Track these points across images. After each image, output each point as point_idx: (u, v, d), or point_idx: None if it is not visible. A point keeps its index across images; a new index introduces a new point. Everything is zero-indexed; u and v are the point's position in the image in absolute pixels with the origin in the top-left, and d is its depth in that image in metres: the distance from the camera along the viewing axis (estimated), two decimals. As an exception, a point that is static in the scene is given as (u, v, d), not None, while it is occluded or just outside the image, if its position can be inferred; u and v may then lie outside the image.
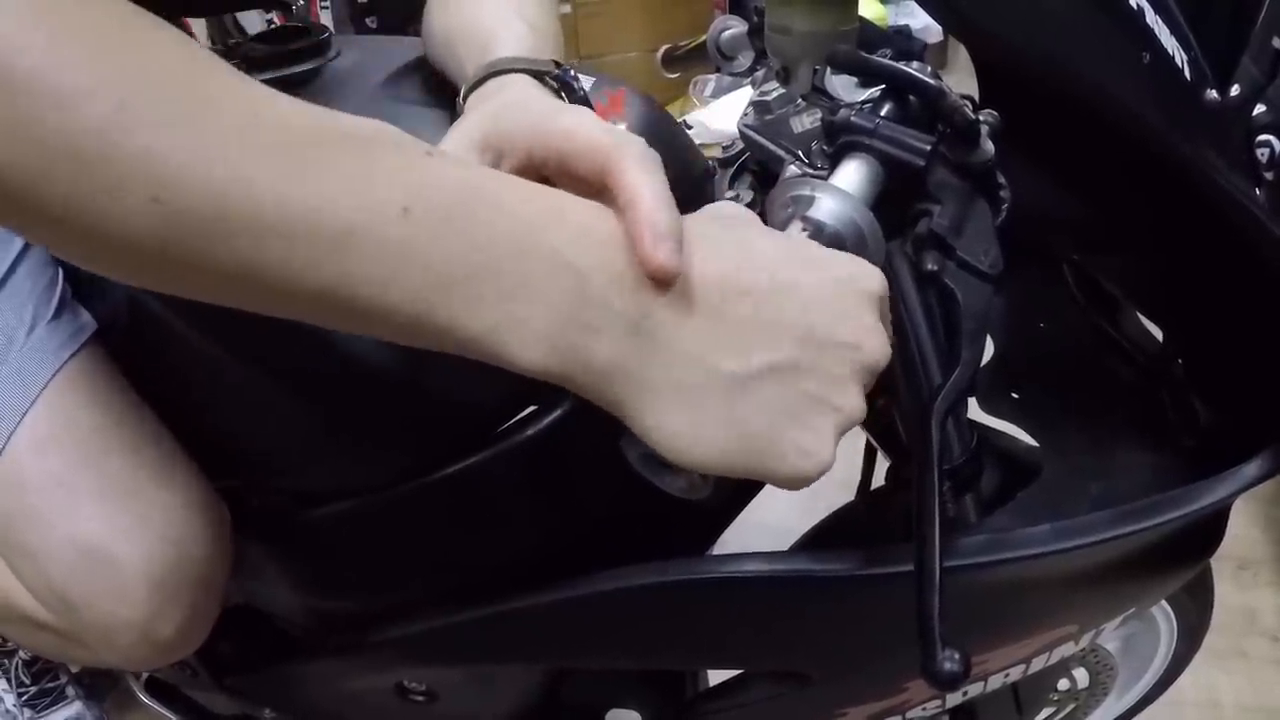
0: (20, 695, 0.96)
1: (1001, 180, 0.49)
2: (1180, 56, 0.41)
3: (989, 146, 0.40)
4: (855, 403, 0.30)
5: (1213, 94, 0.43)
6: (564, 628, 0.52)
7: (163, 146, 0.24)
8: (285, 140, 0.25)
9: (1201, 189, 0.42)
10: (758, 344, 0.29)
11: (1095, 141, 0.46)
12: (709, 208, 0.34)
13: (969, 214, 0.39)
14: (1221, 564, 1.15)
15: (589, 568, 0.49)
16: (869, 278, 0.32)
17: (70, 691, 0.98)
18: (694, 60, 0.77)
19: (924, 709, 0.61)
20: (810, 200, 0.35)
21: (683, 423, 0.28)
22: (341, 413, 0.53)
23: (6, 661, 0.95)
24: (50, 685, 0.97)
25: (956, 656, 0.32)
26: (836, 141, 0.39)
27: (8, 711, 0.96)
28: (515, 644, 0.55)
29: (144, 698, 0.92)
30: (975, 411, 0.59)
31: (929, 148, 0.37)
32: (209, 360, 0.51)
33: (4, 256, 0.56)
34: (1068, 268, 0.68)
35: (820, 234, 0.35)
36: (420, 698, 0.64)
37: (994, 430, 0.60)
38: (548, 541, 0.56)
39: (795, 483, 0.30)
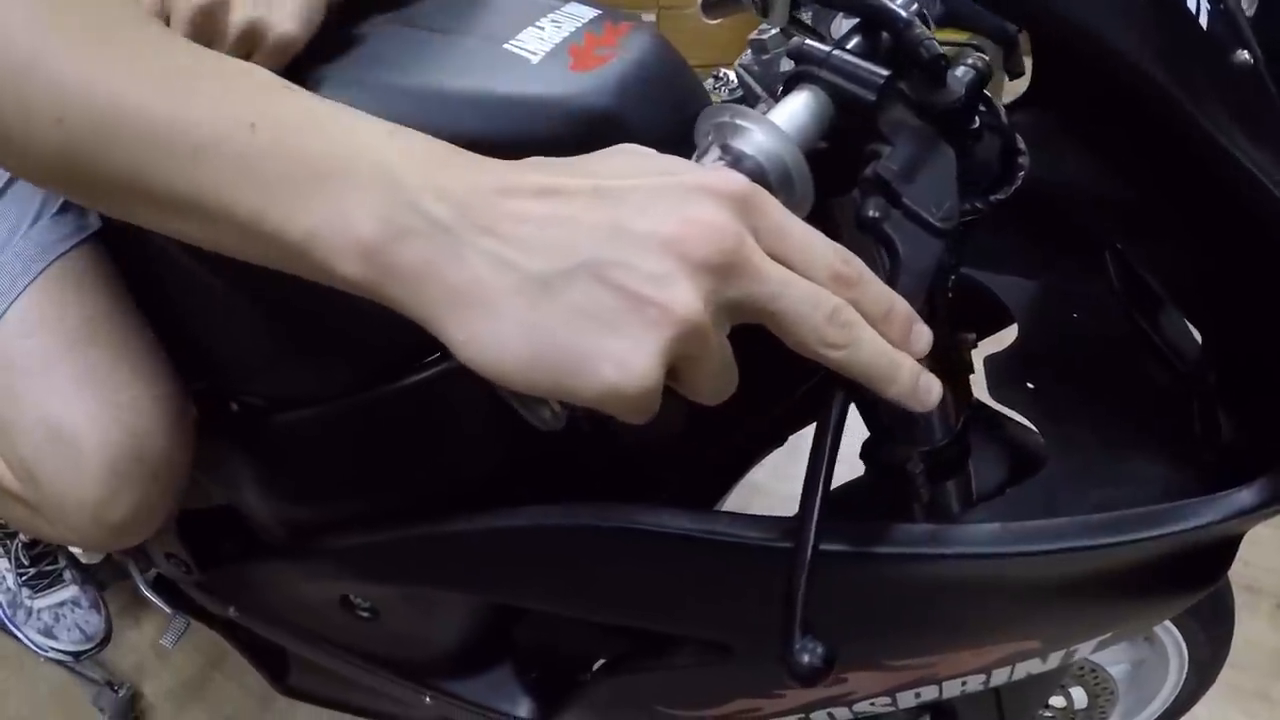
0: (20, 575, 1.01)
1: (1021, 147, 0.45)
2: (1199, 2, 0.35)
3: (957, 87, 0.35)
4: (685, 301, 0.26)
5: (1244, 55, 0.37)
6: (483, 559, 0.51)
7: (65, 78, 0.29)
8: (165, 68, 0.30)
9: (1216, 161, 0.37)
10: (564, 242, 0.27)
11: (1143, 121, 0.41)
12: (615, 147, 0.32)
13: (926, 160, 0.35)
14: (1259, 600, 1.06)
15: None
16: (721, 178, 0.28)
17: (67, 576, 1.03)
18: (731, 5, 0.74)
19: (873, 704, 0.58)
20: (732, 128, 0.32)
21: (486, 331, 0.27)
22: (301, 323, 0.53)
23: (9, 542, 1.01)
24: (49, 568, 1.02)
25: (819, 650, 0.28)
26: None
27: (8, 589, 1.02)
28: (440, 569, 0.55)
29: (146, 592, 0.96)
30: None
31: (882, 81, 0.34)
32: (183, 269, 0.52)
33: None
34: (1110, 259, 0.63)
35: (738, 165, 0.32)
36: (365, 613, 0.64)
37: (1008, 419, 0.56)
38: (496, 469, 0.54)
39: (614, 401, 0.26)
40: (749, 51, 0.57)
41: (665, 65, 0.58)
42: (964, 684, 0.56)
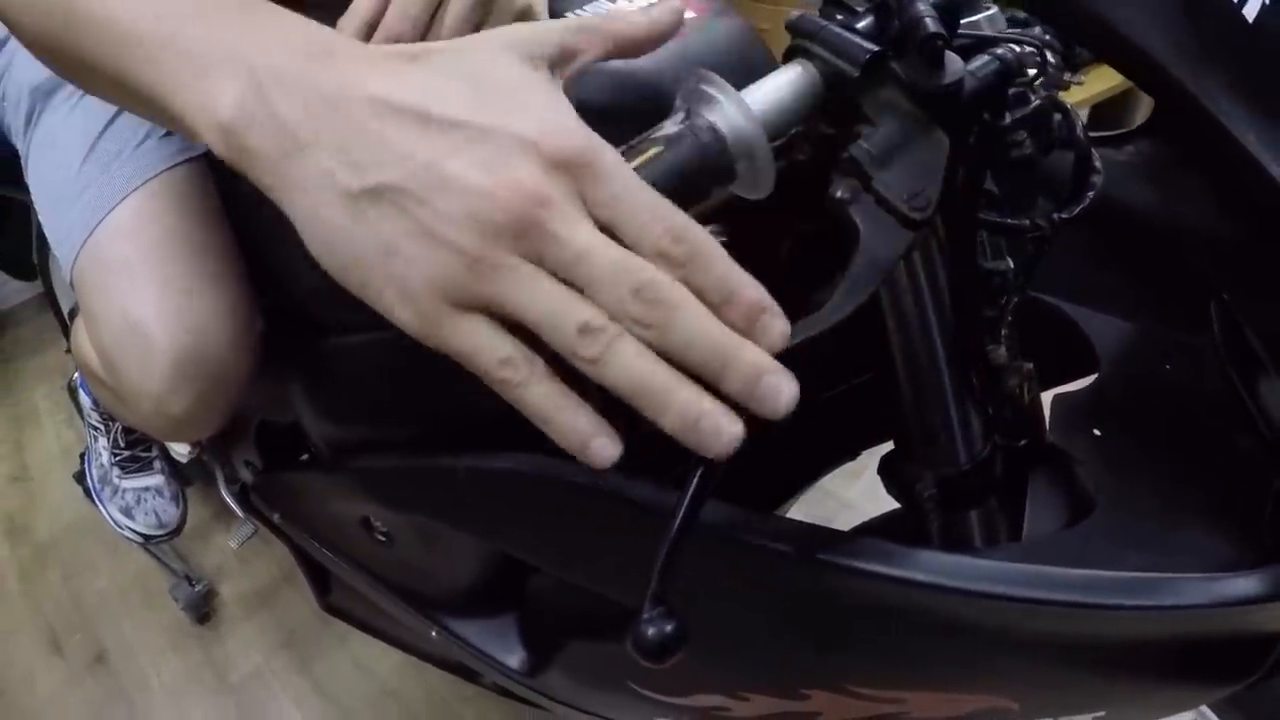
0: (115, 456, 1.12)
1: (1096, 165, 0.42)
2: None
3: (955, 70, 0.33)
4: (471, 243, 0.27)
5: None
6: (467, 495, 0.52)
7: None
8: None
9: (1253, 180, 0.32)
10: (378, 164, 0.28)
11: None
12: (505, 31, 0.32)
13: (910, 146, 0.33)
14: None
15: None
16: (553, 136, 0.28)
17: (156, 465, 1.13)
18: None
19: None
20: (698, 94, 0.32)
21: (313, 230, 0.29)
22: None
23: (111, 424, 1.12)
24: (142, 454, 1.12)
25: (668, 627, 0.27)
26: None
27: (101, 466, 1.14)
28: (435, 501, 0.56)
29: (225, 495, 1.04)
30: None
31: (868, 56, 0.32)
32: (246, 192, 0.57)
33: None
34: (1215, 308, 0.57)
35: (695, 132, 0.31)
36: (382, 538, 0.68)
37: (1076, 459, 0.52)
38: (504, 415, 0.56)
39: (402, 324, 0.28)
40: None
41: (736, 48, 0.57)
42: (941, 732, 0.53)
